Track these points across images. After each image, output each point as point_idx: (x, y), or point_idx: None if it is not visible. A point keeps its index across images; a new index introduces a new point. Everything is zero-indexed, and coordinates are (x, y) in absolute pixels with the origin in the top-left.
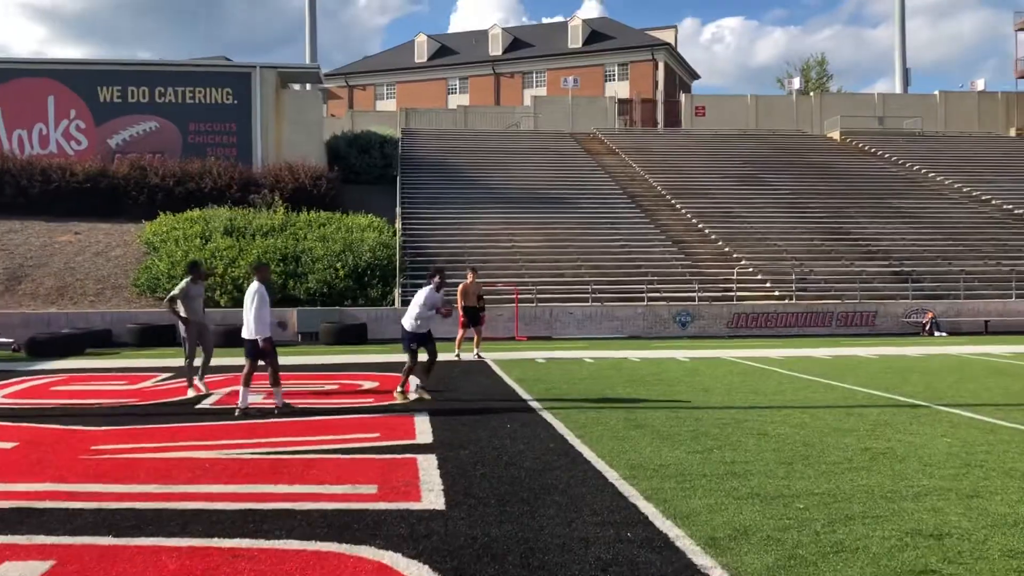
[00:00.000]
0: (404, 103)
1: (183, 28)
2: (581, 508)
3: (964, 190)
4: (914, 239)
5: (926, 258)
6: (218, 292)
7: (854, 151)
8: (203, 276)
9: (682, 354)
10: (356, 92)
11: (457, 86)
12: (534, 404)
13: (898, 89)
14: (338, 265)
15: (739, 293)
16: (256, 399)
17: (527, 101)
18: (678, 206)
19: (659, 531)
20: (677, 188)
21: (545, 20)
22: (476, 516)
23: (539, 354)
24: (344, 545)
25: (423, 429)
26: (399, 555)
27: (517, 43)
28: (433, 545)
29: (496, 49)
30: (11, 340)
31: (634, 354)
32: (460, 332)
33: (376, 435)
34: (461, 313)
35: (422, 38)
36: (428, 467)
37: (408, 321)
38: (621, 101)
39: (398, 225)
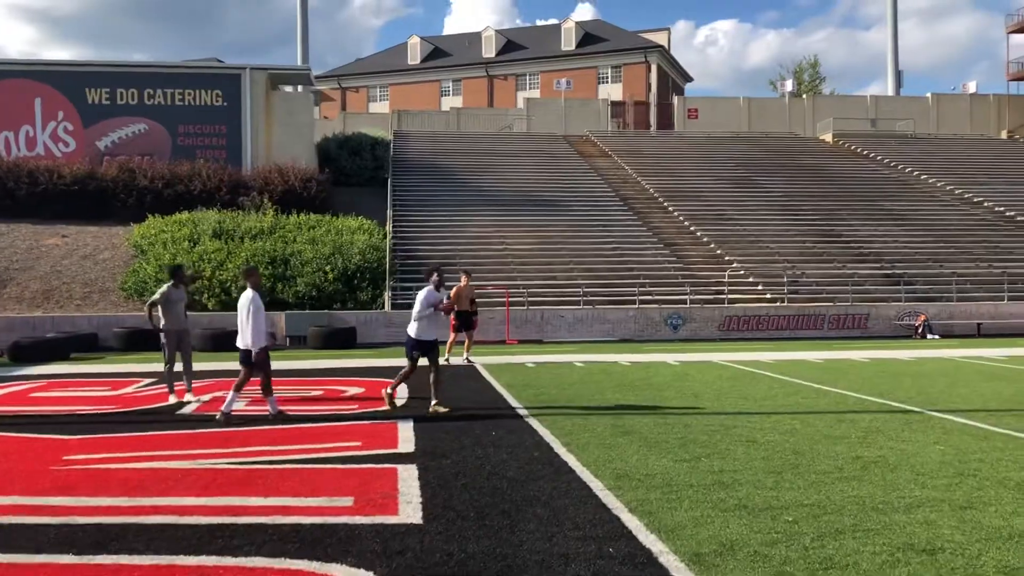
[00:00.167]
0: (397, 105)
1: (177, 30)
2: (563, 521)
3: (956, 192)
4: (906, 241)
5: (918, 260)
6: (206, 295)
7: (846, 153)
8: (185, 280)
9: (672, 358)
10: (349, 94)
11: (450, 88)
12: (521, 410)
13: (890, 91)
14: (327, 268)
15: (731, 296)
16: (239, 405)
17: (520, 103)
18: (670, 208)
19: (642, 546)
20: (669, 190)
21: (539, 23)
22: (454, 531)
23: (529, 358)
24: (315, 563)
25: (406, 437)
26: (371, 573)
27: (510, 45)
28: (407, 562)
29: (489, 51)
30: None
31: (624, 358)
32: (452, 336)
33: (357, 444)
34: (453, 317)
35: (415, 40)
36: (408, 478)
37: (412, 326)
38: (614, 103)
39: (388, 227)
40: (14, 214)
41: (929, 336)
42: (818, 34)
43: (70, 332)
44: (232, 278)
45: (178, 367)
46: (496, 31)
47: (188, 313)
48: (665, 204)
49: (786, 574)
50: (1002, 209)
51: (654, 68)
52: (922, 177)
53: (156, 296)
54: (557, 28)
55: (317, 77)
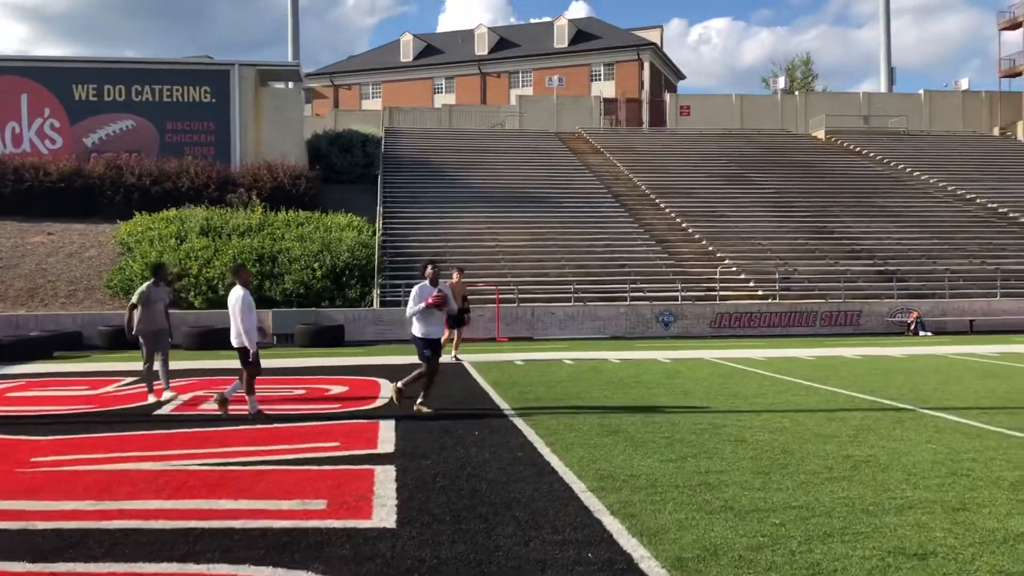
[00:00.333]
0: (390, 103)
1: (169, 28)
2: (542, 525)
3: (949, 189)
4: (899, 238)
5: (911, 257)
6: (192, 293)
7: (839, 150)
8: (166, 279)
9: (663, 355)
10: (341, 91)
11: (443, 86)
12: (507, 409)
13: (883, 88)
14: (315, 265)
15: (722, 293)
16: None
17: (513, 101)
18: (662, 205)
19: (623, 551)
20: (661, 187)
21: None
22: (428, 535)
23: (518, 356)
24: (280, 570)
25: (386, 437)
26: None
27: (503, 43)
28: (376, 569)
29: (482, 49)
30: None
31: (615, 355)
32: (444, 334)
33: (336, 444)
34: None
35: (408, 37)
36: (385, 480)
37: (415, 325)
38: (606, 100)
39: (378, 225)
40: (0, 212)
41: (922, 333)
42: (811, 32)
43: (54, 330)
44: (219, 276)
45: (157, 365)
46: (489, 28)
47: (175, 311)
48: (657, 201)
49: None
50: (995, 205)
51: (647, 66)
52: (915, 174)
53: (134, 298)
54: (550, 26)
55: (309, 75)
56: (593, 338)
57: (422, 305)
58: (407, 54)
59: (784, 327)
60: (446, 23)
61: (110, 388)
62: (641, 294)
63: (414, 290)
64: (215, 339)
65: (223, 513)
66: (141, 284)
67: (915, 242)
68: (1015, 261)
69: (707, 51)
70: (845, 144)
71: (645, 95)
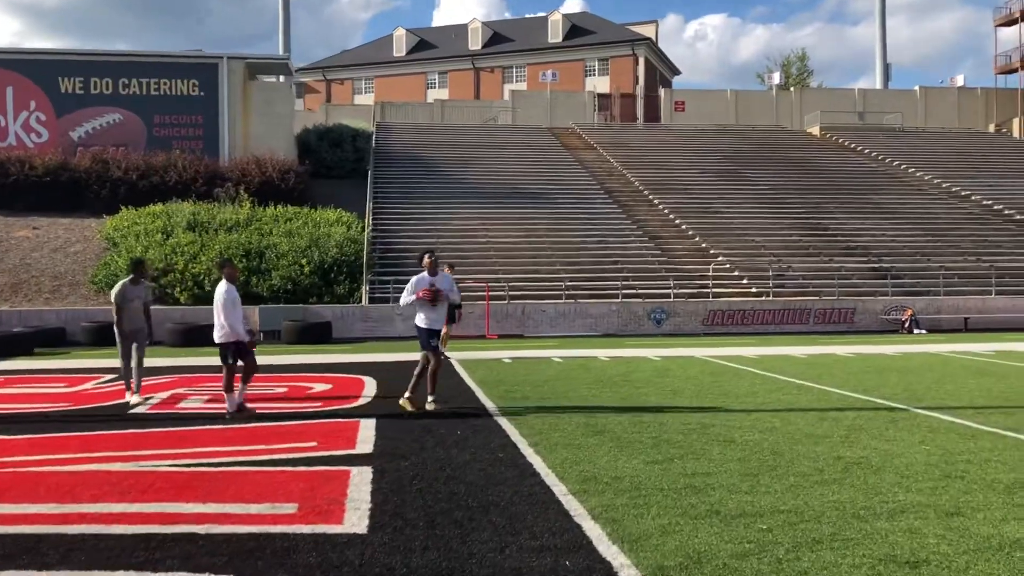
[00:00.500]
0: (382, 97)
1: (163, 23)
2: (520, 530)
3: (944, 186)
4: (894, 235)
5: (905, 254)
6: (178, 289)
7: (834, 146)
8: (146, 276)
9: (654, 353)
10: (334, 86)
11: (436, 80)
12: (491, 408)
13: (878, 85)
14: (303, 261)
15: (715, 290)
16: (198, 402)
17: (506, 96)
18: (656, 201)
19: (602, 559)
20: (655, 183)
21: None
22: (399, 541)
23: (507, 353)
24: None
25: (365, 437)
26: None
27: (497, 37)
28: None
29: (476, 43)
30: None
31: (605, 353)
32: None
33: (313, 444)
34: None
35: (401, 32)
36: (360, 482)
37: (418, 316)
38: (600, 96)
39: (368, 220)
40: None
41: (916, 331)
42: (807, 29)
43: (36, 326)
44: (205, 271)
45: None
46: (483, 23)
47: (160, 307)
48: (650, 197)
49: None
50: (990, 203)
51: (641, 61)
52: (909, 171)
53: (113, 296)
54: (544, 20)
55: (302, 69)
56: (584, 336)
57: (412, 298)
58: (400, 49)
59: (777, 325)
60: (440, 18)
61: (88, 386)
62: (633, 291)
63: (412, 279)
64: (200, 336)
65: (188, 517)
66: (120, 280)
67: (910, 239)
68: (1010, 258)
69: (703, 47)
70: (840, 140)
71: (639, 90)
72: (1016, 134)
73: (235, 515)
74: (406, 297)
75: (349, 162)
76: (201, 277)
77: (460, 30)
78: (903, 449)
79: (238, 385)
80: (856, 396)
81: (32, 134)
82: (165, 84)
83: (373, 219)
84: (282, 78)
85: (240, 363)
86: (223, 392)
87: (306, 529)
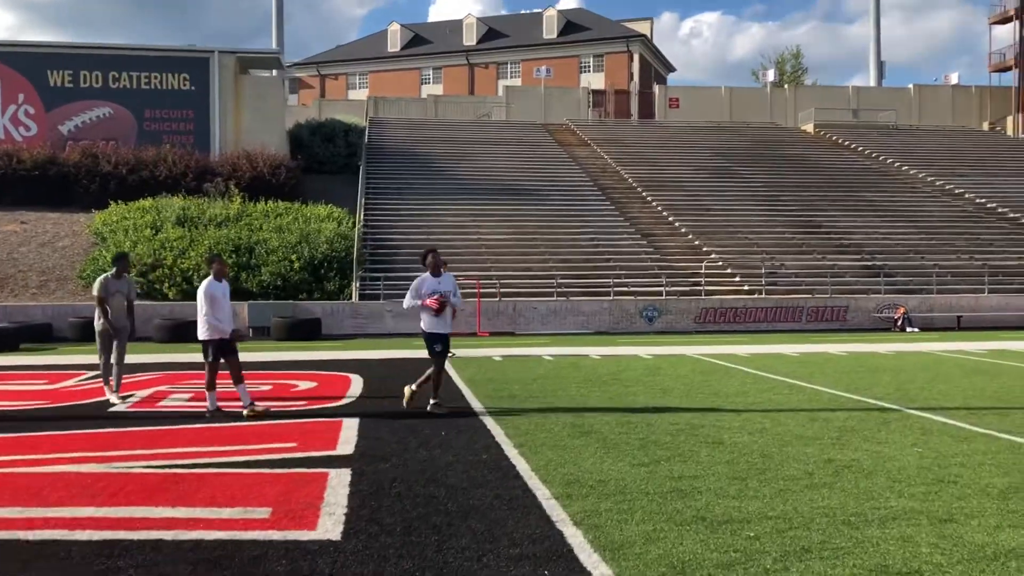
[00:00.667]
0: (376, 93)
1: (159, 18)
2: (499, 537)
3: (937, 184)
4: (887, 233)
5: (899, 252)
6: (166, 284)
7: (828, 144)
8: (127, 270)
9: (645, 351)
10: (328, 81)
11: (431, 76)
12: (478, 407)
13: (873, 82)
14: (293, 257)
15: (708, 287)
16: (180, 400)
17: (501, 92)
18: (649, 199)
19: (583, 568)
20: (648, 180)
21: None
22: (373, 549)
23: (498, 351)
24: None
25: (347, 438)
26: None
27: (492, 33)
28: None
29: (470, 39)
30: None
31: (596, 351)
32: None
33: (293, 445)
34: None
35: (395, 27)
36: (338, 485)
37: (422, 319)
38: (595, 92)
39: (359, 216)
40: None
41: (909, 329)
42: (802, 27)
43: (22, 322)
44: (194, 267)
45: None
46: (477, 19)
47: (149, 303)
48: (644, 194)
49: None
50: (983, 201)
51: (636, 58)
52: (903, 168)
53: (97, 289)
54: (539, 16)
55: (296, 64)
56: (576, 333)
57: (418, 303)
58: (394, 44)
59: (770, 323)
60: (436, 13)
61: (70, 383)
62: (625, 289)
63: (414, 281)
64: (188, 332)
65: (157, 522)
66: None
67: (903, 237)
68: (1002, 257)
69: (698, 45)
70: (834, 138)
71: (634, 87)
72: (1010, 132)
73: (205, 520)
74: (410, 300)
75: (341, 157)
76: (190, 272)
77: (455, 25)
78: (895, 452)
79: (237, 386)
80: (848, 396)
81: (21, 127)
82: (156, 78)
83: (364, 215)
84: (274, 72)
85: (223, 361)
86: (205, 390)
87: (277, 536)
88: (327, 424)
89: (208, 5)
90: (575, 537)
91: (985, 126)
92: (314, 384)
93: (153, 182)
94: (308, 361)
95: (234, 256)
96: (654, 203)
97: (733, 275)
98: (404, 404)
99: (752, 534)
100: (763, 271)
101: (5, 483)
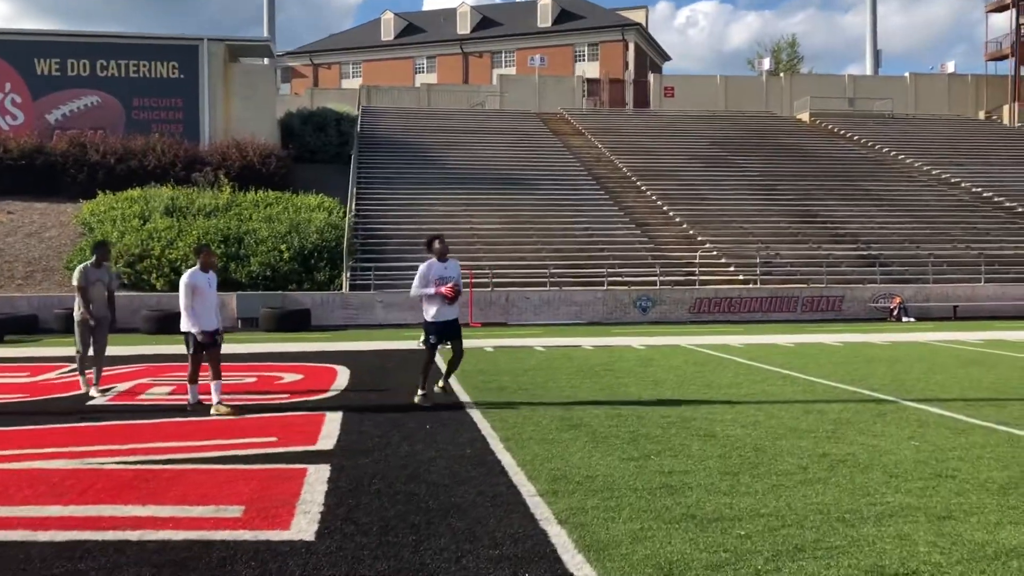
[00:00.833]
0: (370, 82)
1: (155, 8)
2: (480, 537)
3: (934, 173)
4: (883, 222)
5: (894, 241)
6: (154, 275)
7: (824, 133)
8: (108, 259)
9: (639, 341)
10: (321, 71)
11: (424, 65)
12: (465, 399)
13: (869, 71)
14: (283, 247)
15: (702, 277)
16: (161, 394)
17: (495, 81)
18: (643, 188)
19: (565, 570)
20: (643, 169)
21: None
22: (347, 550)
23: (489, 342)
24: None
25: (329, 432)
26: None
27: (486, 22)
28: None
29: (464, 28)
30: None
31: (589, 341)
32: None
33: (273, 439)
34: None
35: (389, 16)
36: (315, 481)
37: (424, 308)
38: (589, 81)
39: (351, 206)
40: None
41: (904, 319)
42: (798, 16)
43: (7, 313)
44: (182, 257)
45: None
46: (472, 7)
47: (136, 293)
48: (638, 183)
49: None
50: (979, 190)
51: (631, 46)
52: (899, 157)
53: (77, 278)
54: (533, 5)
55: (289, 53)
56: (569, 324)
57: (430, 291)
58: (388, 33)
59: (765, 312)
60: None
61: (51, 375)
62: (619, 278)
63: (421, 268)
64: (175, 323)
65: (124, 522)
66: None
67: (899, 227)
68: (999, 246)
69: (694, 34)
70: (830, 127)
71: (629, 76)
72: (1006, 121)
73: (175, 519)
74: (418, 288)
75: (333, 146)
76: (178, 263)
77: (449, 14)
78: (892, 445)
79: (212, 383)
80: (843, 387)
81: (7, 116)
82: (144, 66)
83: (356, 204)
84: (265, 61)
85: (205, 353)
86: (188, 382)
87: (248, 536)
88: (309, 418)
89: None
90: (559, 537)
91: (981, 115)
92: (300, 376)
93: (142, 172)
94: (295, 353)
95: (223, 246)
96: (648, 192)
97: (728, 265)
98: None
99: (743, 532)
100: (758, 260)
101: None
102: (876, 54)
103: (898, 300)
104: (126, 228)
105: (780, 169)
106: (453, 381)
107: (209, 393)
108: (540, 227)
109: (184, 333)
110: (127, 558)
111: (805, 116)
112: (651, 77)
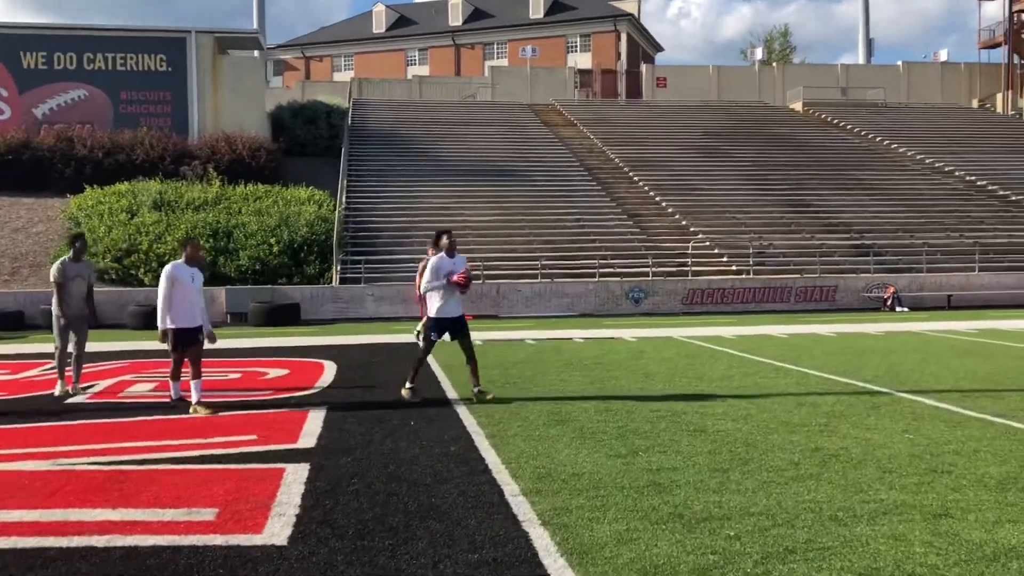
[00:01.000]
0: (362, 75)
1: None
2: (459, 539)
3: (927, 161)
4: (876, 211)
5: (888, 231)
6: (142, 270)
7: (816, 122)
8: (84, 252)
9: (630, 333)
10: (313, 63)
11: (416, 57)
12: (452, 395)
13: (861, 60)
14: (272, 241)
15: (695, 268)
16: (143, 390)
17: (487, 73)
18: (636, 179)
19: (546, 575)
20: (635, 160)
21: None
22: (321, 554)
23: (479, 335)
24: None
25: (310, 430)
26: None
27: (478, 13)
28: None
29: (456, 19)
30: None
31: (580, 334)
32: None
33: (253, 437)
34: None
35: (380, 8)
36: (293, 481)
37: (430, 305)
38: (581, 72)
39: (341, 199)
40: None
41: (898, 308)
42: (790, 7)
43: None
44: (170, 251)
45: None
46: None
47: (124, 288)
48: (630, 174)
49: None
50: (973, 178)
51: (624, 37)
52: (892, 146)
53: (55, 274)
54: None
55: (280, 46)
56: (560, 316)
57: (444, 282)
58: (379, 25)
59: (758, 303)
60: None
61: (33, 372)
62: (611, 270)
63: (431, 262)
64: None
65: (91, 527)
66: (90, 259)
67: (892, 216)
68: (993, 235)
69: (687, 25)
70: (823, 116)
71: (621, 66)
72: (999, 109)
73: (144, 523)
74: (434, 281)
75: (323, 139)
76: (166, 257)
77: (440, 6)
78: (886, 439)
79: (193, 381)
80: (836, 379)
81: None
82: (132, 59)
83: (346, 197)
84: (256, 53)
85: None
86: (170, 379)
87: (220, 540)
88: (291, 415)
89: None
90: (541, 539)
91: (974, 103)
92: (286, 372)
93: (130, 166)
94: (283, 348)
95: (212, 240)
96: (641, 183)
97: (720, 255)
98: (474, 394)
99: (732, 533)
100: (751, 251)
101: None
102: (869, 43)
103: (892, 290)
104: (114, 222)
105: (773, 159)
106: (440, 374)
107: (205, 390)
108: (532, 219)
109: (162, 331)
110: (90, 565)
111: (798, 106)
112: (643, 68)
